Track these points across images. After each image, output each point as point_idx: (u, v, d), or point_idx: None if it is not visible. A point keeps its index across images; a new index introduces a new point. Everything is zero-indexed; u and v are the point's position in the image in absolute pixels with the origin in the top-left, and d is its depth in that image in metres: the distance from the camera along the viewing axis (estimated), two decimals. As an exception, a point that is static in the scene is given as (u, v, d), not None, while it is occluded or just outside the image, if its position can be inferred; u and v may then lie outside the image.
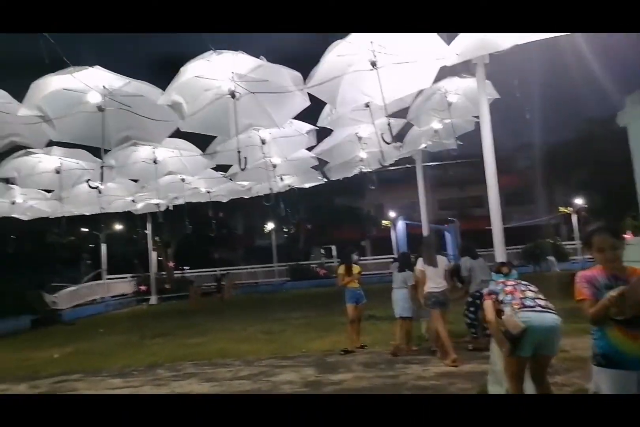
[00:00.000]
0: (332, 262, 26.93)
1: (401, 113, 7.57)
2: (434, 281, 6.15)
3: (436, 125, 8.64)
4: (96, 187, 6.54)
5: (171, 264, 26.88)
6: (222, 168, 8.67)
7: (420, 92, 7.09)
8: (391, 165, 12.08)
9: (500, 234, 5.71)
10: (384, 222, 30.20)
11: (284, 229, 30.60)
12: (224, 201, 11.54)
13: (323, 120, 6.79)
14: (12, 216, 10.14)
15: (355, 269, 7.42)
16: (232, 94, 5.27)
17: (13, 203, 8.87)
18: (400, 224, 25.28)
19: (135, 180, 8.67)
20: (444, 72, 6.64)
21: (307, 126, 7.03)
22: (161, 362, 7.71)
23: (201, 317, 14.29)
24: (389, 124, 5.19)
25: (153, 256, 23.62)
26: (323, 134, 7.57)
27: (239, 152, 5.36)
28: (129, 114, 5.66)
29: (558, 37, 4.99)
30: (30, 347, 10.63)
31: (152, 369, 7.31)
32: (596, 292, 2.40)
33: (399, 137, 9.20)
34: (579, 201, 26.18)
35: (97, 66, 4.79)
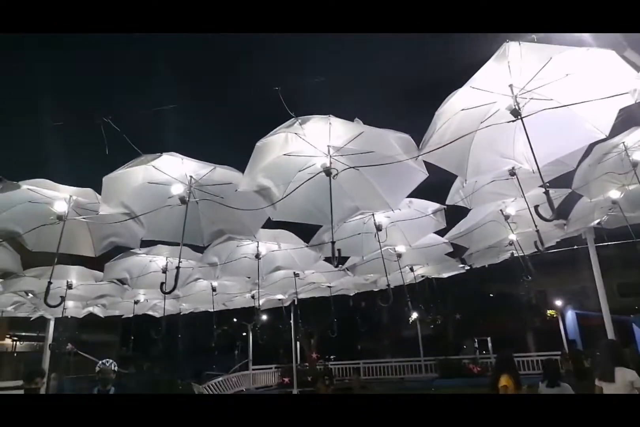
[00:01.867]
0: (489, 357, 23.20)
1: (562, 180, 5.74)
2: None
3: (614, 194, 6.50)
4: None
5: (314, 355, 25.95)
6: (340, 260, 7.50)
7: (589, 150, 5.30)
8: (552, 247, 9.80)
9: None
10: (549, 311, 25.69)
11: (430, 319, 28.02)
12: (350, 295, 10.29)
13: (453, 197, 5.31)
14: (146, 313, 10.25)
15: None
16: (328, 172, 4.18)
17: (136, 302, 8.80)
18: (570, 314, 21.15)
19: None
20: (624, 121, 4.85)
21: (432, 205, 5.59)
22: None
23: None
24: (547, 194, 3.50)
25: (297, 347, 23.05)
26: (457, 213, 6.02)
27: (332, 243, 4.10)
28: (218, 206, 4.92)
29: None
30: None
31: None
32: None
33: (562, 212, 7.18)
34: None
35: (171, 153, 4.17)
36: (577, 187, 5.88)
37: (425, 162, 4.24)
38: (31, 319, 11.15)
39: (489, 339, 27.18)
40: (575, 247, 9.82)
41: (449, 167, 4.30)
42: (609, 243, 12.95)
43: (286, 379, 22.53)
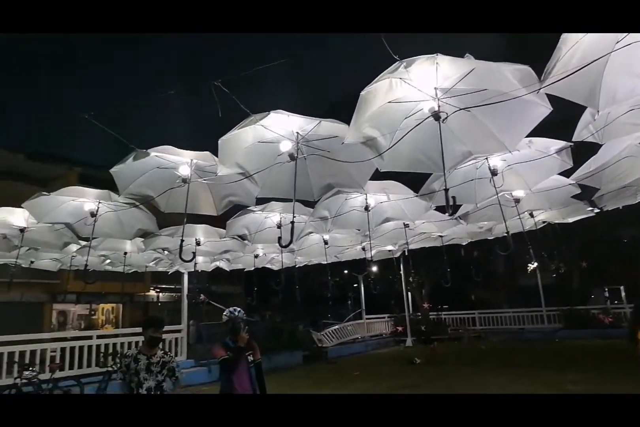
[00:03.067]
0: (622, 307, 21.33)
1: None
2: None
3: None
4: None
5: (426, 305, 26.12)
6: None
7: None
8: None
9: None
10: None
11: (552, 268, 26.30)
12: (463, 244, 9.97)
13: (581, 132, 4.73)
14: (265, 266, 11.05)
15: None
16: (437, 116, 3.95)
17: (256, 257, 9.44)
18: None
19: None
20: None
21: (556, 144, 5.05)
22: None
23: (455, 367, 12.81)
24: None
25: (408, 297, 23.41)
26: (583, 151, 5.38)
27: (446, 190, 3.93)
28: (326, 160, 4.96)
29: None
30: (293, 385, 11.02)
31: None
32: None
33: None
34: None
35: (279, 110, 4.24)
36: None
37: (548, 95, 3.81)
38: (169, 273, 12.62)
39: (622, 287, 24.94)
40: None
41: (577, 99, 3.80)
42: None
43: (400, 328, 23.08)
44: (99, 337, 11.17)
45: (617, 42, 3.42)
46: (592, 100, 3.78)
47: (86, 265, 7.02)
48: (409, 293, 24.43)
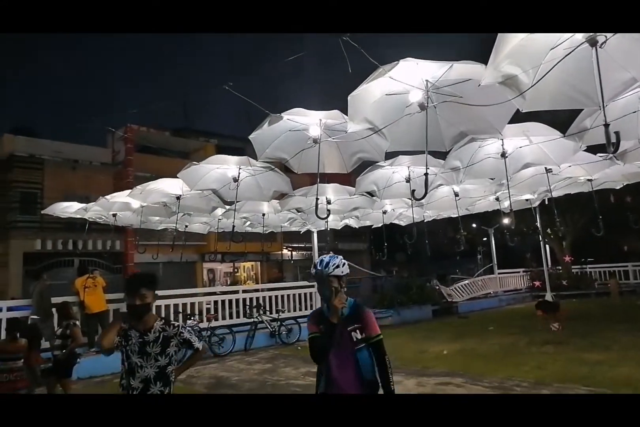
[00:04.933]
0: None
1: None
2: None
3: None
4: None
5: (567, 258, 24.21)
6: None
7: None
8: None
9: None
10: None
11: None
12: (616, 188, 8.87)
13: None
14: (391, 222, 11.09)
15: None
16: (593, 40, 3.45)
17: (384, 213, 9.49)
18: None
19: (492, 179, 7.59)
20: None
21: None
22: (549, 381, 6.60)
23: (602, 323, 11.86)
24: None
25: (546, 250, 21.85)
26: None
27: (606, 126, 3.46)
28: (458, 106, 4.69)
29: None
30: (427, 338, 11.21)
31: (537, 388, 6.31)
32: None
33: None
34: None
35: (408, 58, 4.06)
36: None
37: None
38: (301, 232, 13.37)
39: None
40: None
41: None
42: None
43: (537, 283, 21.80)
44: (243, 291, 12.43)
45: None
46: None
47: (233, 226, 7.72)
48: (547, 245, 22.76)
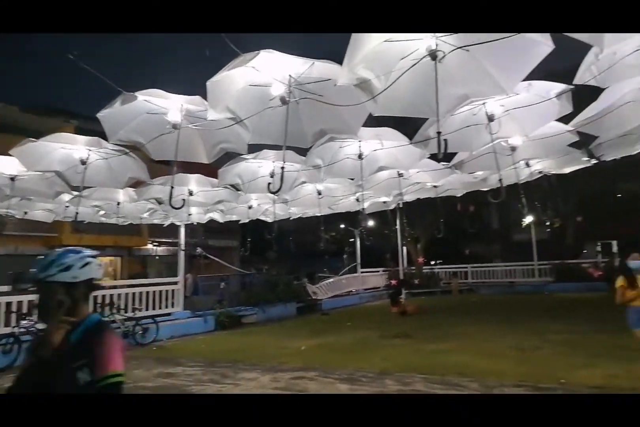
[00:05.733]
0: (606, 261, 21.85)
1: None
2: None
3: None
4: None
5: (420, 259, 26.65)
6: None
7: None
8: None
9: None
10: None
11: (547, 222, 26.61)
12: (458, 195, 9.96)
13: (584, 74, 4.56)
14: (260, 218, 11.08)
15: None
16: (434, 55, 3.79)
17: (250, 207, 9.41)
18: None
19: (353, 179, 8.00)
20: None
21: (556, 87, 4.89)
22: (392, 371, 7.12)
23: (445, 317, 13.31)
24: None
25: (403, 251, 23.75)
26: (584, 95, 5.22)
27: (438, 133, 3.84)
28: (319, 104, 4.81)
29: None
30: (288, 335, 11.46)
31: (381, 378, 6.77)
32: None
33: None
34: None
35: (270, 50, 4.04)
36: None
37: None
38: (164, 225, 12.68)
39: (614, 242, 25.33)
40: None
41: (582, 35, 3.63)
42: None
43: (394, 282, 23.66)
44: (93, 288, 11.34)
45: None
46: (598, 37, 3.61)
47: (76, 213, 6.99)
48: (404, 247, 24.83)
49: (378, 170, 6.93)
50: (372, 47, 3.97)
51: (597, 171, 9.87)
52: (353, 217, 14.11)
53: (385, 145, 6.21)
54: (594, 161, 7.79)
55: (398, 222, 20.73)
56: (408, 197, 9.86)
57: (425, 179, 8.12)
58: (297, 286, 18.19)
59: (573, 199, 22.85)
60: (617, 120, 5.90)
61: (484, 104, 5.08)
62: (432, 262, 27.68)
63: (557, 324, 10.60)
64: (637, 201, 23.69)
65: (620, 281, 5.58)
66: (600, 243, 26.87)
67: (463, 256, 29.45)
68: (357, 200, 9.40)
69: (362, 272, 24.00)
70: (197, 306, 13.78)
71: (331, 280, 21.28)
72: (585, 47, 4.13)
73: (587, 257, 25.38)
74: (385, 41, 3.96)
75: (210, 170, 7.90)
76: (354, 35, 3.60)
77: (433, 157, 6.65)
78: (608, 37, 3.60)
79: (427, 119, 5.26)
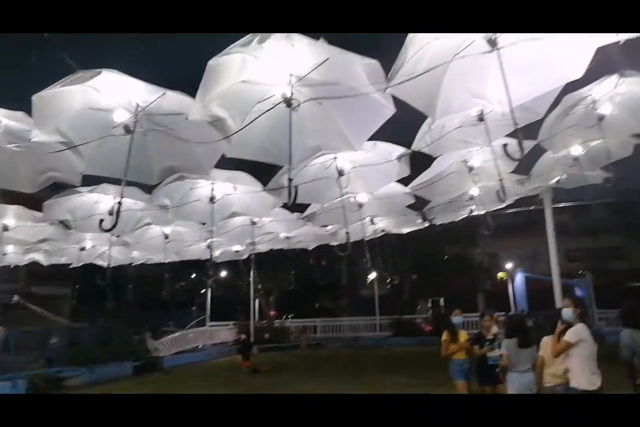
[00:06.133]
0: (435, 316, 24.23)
1: (528, 132, 5.61)
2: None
3: (576, 150, 6.48)
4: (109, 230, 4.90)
5: (272, 312, 26.26)
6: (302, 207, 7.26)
7: (558, 100, 5.15)
8: (510, 206, 9.94)
9: None
10: (500, 274, 26.78)
11: (388, 278, 28.87)
12: (309, 249, 10.15)
13: (419, 142, 5.09)
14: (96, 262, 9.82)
15: (462, 336, 5.94)
16: (289, 102, 3.84)
17: (83, 249, 8.31)
18: (520, 277, 22.08)
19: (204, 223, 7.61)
20: (598, 72, 4.69)
21: (397, 149, 5.36)
22: None
23: (290, 375, 12.98)
24: (517, 132, 3.32)
25: (255, 303, 23.24)
26: (421, 161, 5.82)
27: (290, 180, 3.83)
28: (169, 138, 4.51)
29: None
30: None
31: None
32: None
33: (524, 167, 7.15)
34: None
35: (114, 70, 3.69)
36: (542, 140, 5.79)
37: (393, 97, 3.97)
38: (-32, 265, 10.50)
39: (442, 299, 28.24)
40: (533, 207, 10.01)
41: (419, 105, 4.05)
42: (565, 204, 13.36)
43: (243, 336, 22.79)
44: None
45: (455, 54, 3.71)
46: (430, 108, 4.05)
47: None
48: (257, 300, 24.41)
49: (230, 216, 6.69)
50: (229, 86, 3.90)
51: (428, 233, 10.97)
52: (204, 266, 13.51)
53: (238, 189, 6.05)
54: (426, 224, 8.68)
55: (251, 272, 20.50)
56: (261, 247, 9.72)
57: (278, 229, 8.11)
58: (137, 341, 16.34)
59: (409, 258, 25.15)
60: (445, 188, 6.68)
61: (335, 158, 5.30)
62: (284, 316, 27.51)
63: (394, 378, 11.04)
64: (460, 263, 27.15)
65: (445, 336, 5.96)
66: (431, 300, 29.74)
67: (313, 310, 29.92)
68: (208, 247, 8.95)
69: (210, 326, 22.71)
70: (5, 367, 11.39)
71: (176, 334, 19.67)
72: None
73: (421, 312, 27.77)
74: (242, 82, 3.93)
75: (36, 201, 6.83)
76: (209, 67, 3.48)
77: (286, 206, 6.69)
78: (439, 109, 4.07)
79: (282, 167, 5.29)
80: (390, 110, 4.03)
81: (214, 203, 5.93)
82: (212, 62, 3.41)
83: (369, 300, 26.73)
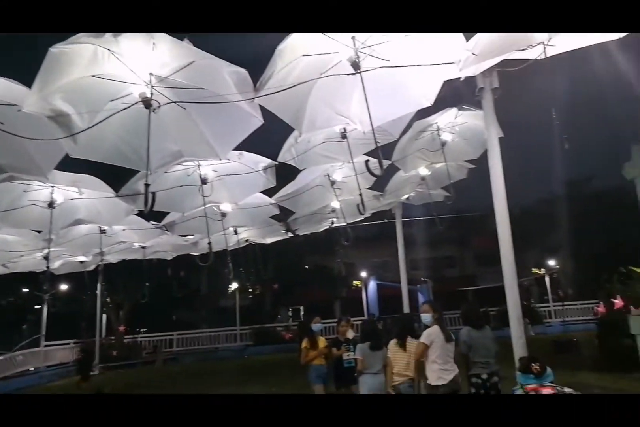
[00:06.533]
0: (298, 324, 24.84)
1: (383, 152, 6.03)
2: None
3: (423, 171, 7.18)
4: None
5: (122, 327, 24.14)
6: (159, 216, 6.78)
7: (409, 126, 5.65)
8: (366, 219, 10.62)
9: (516, 298, 4.54)
10: (355, 282, 28.55)
11: (249, 290, 28.77)
12: (168, 259, 9.54)
13: (285, 154, 5.12)
14: None
15: (321, 342, 6.05)
16: (148, 103, 3.53)
17: None
18: (372, 285, 23.73)
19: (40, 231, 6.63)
20: (442, 104, 5.25)
21: (263, 160, 5.32)
22: None
23: (140, 390, 11.97)
24: (377, 149, 3.51)
25: (102, 318, 21.02)
26: (287, 173, 5.87)
27: (146, 185, 3.52)
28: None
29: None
30: None
31: None
32: None
33: (378, 185, 7.69)
34: (551, 263, 25.63)
35: None
36: (396, 160, 6.28)
37: (261, 108, 3.92)
38: None
39: (301, 307, 28.99)
40: (386, 220, 10.82)
41: (286, 117, 4.06)
42: (413, 219, 14.74)
43: (81, 355, 20.48)
44: None
45: (322, 73, 3.81)
46: (297, 121, 4.10)
47: None
48: (105, 315, 22.22)
49: (74, 224, 5.93)
50: (76, 79, 3.45)
51: (291, 244, 11.15)
52: (40, 279, 11.82)
53: (85, 194, 5.38)
54: (290, 234, 8.80)
55: (98, 285, 18.56)
56: (111, 258, 8.83)
57: (132, 238, 7.44)
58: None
59: (271, 268, 25.37)
60: (309, 200, 6.85)
61: (198, 166, 5.06)
62: (136, 331, 25.51)
63: (253, 388, 10.87)
64: (320, 273, 28.26)
65: (304, 343, 6.04)
66: (291, 308, 30.37)
67: (170, 323, 28.32)
68: (45, 258, 7.82)
69: (46, 345, 19.98)
70: None
71: (3, 357, 16.92)
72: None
73: (281, 321, 28.15)
74: (94, 76, 3.52)
75: None
76: (51, 56, 3.03)
77: (142, 214, 6.17)
78: (305, 123, 4.14)
79: (138, 172, 4.86)
80: (258, 120, 3.97)
81: (53, 208, 5.18)
82: (54, 50, 2.97)
83: (230, 310, 26.24)
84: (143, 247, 7.93)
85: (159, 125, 3.85)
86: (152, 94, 3.60)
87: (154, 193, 3.48)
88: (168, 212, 6.61)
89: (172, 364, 20.36)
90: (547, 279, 24.29)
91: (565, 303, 22.72)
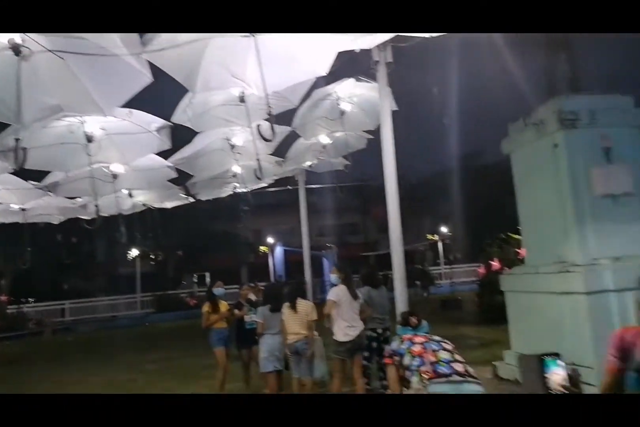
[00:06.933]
0: (206, 290, 24.61)
1: (283, 119, 6.07)
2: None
3: (324, 139, 7.34)
4: None
5: (4, 297, 22.28)
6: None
7: (308, 94, 5.71)
8: (270, 186, 10.68)
9: (401, 263, 4.97)
10: (262, 248, 28.79)
11: (151, 256, 27.79)
12: (55, 223, 8.87)
13: (181, 115, 4.95)
14: None
15: (223, 306, 6.13)
16: (17, 49, 3.20)
17: None
18: (278, 251, 24.15)
19: None
20: (339, 74, 5.38)
21: (156, 121, 5.09)
22: None
23: (28, 365, 11.25)
24: (270, 115, 3.55)
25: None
26: (182, 134, 5.68)
27: (16, 140, 3.25)
28: None
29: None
30: None
31: None
32: None
33: (281, 150, 7.74)
34: (444, 230, 27.98)
35: None
36: (295, 127, 6.35)
37: (151, 65, 3.73)
38: None
39: (207, 273, 28.72)
40: (289, 187, 10.94)
41: (178, 76, 3.92)
42: (315, 186, 15.09)
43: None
44: None
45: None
46: (190, 81, 3.97)
47: None
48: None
49: None
50: None
51: (195, 209, 10.91)
52: None
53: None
54: (191, 199, 8.59)
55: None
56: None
57: (9, 199, 6.77)
58: None
59: (175, 234, 24.64)
60: (208, 164, 6.72)
61: (82, 122, 4.72)
62: (22, 300, 23.65)
63: (153, 354, 10.75)
64: (226, 239, 28.02)
65: (205, 307, 6.10)
66: (196, 275, 29.96)
67: (61, 291, 26.57)
68: None
69: None
70: None
71: None
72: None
73: (186, 287, 27.71)
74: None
75: None
76: None
77: (21, 174, 5.64)
78: (199, 83, 4.03)
79: (9, 125, 4.40)
80: (147, 77, 3.78)
81: None
82: None
83: (130, 278, 25.25)
84: (23, 209, 7.26)
85: (32, 75, 3.52)
86: (22, 40, 3.27)
87: (24, 149, 3.22)
88: (49, 172, 6.11)
89: (64, 334, 19.34)
90: (439, 244, 26.61)
91: (454, 266, 25.04)
